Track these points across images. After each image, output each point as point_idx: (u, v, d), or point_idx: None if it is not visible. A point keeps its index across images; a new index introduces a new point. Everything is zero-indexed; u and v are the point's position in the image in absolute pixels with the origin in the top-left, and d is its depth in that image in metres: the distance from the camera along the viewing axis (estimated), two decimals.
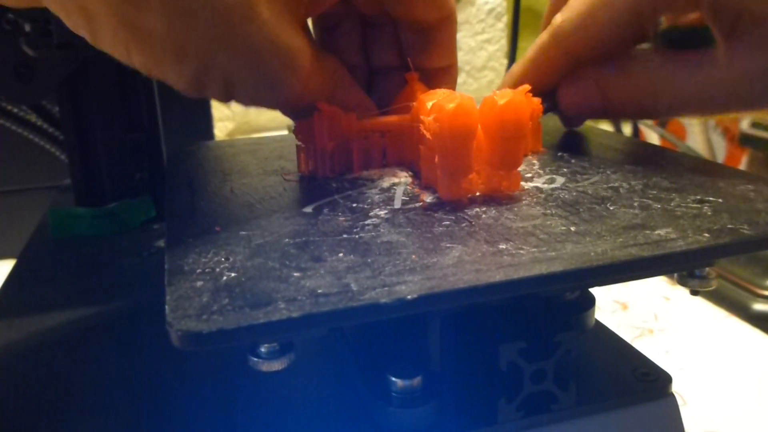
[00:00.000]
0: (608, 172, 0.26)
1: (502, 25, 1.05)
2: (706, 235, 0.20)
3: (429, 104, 0.23)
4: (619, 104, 0.30)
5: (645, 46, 0.33)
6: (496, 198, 0.23)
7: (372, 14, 0.29)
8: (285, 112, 0.27)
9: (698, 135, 0.65)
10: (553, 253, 0.19)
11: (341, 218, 0.22)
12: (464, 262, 0.18)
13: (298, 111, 0.26)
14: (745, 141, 0.67)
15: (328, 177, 0.27)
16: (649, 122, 0.67)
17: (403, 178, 0.26)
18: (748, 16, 0.27)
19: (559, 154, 0.30)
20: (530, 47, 0.33)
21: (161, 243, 0.40)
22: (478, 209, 0.22)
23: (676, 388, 0.25)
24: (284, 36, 0.23)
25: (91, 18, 0.20)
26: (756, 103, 0.28)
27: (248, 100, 0.24)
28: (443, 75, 0.31)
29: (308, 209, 0.23)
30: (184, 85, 0.22)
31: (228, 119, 1.06)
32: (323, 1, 0.26)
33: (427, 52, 0.30)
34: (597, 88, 0.30)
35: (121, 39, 0.21)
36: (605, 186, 0.25)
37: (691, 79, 0.28)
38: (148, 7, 0.20)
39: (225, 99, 0.24)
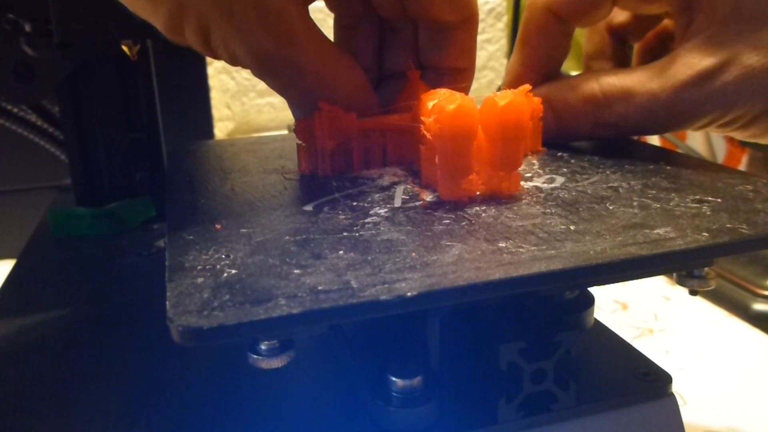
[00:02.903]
0: (608, 171, 0.26)
1: (502, 25, 1.05)
2: (705, 234, 0.20)
3: (430, 105, 0.23)
4: (571, 119, 0.30)
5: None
6: (496, 197, 0.23)
7: (391, 17, 0.29)
8: (271, 83, 0.25)
9: (698, 135, 0.65)
10: (553, 252, 0.19)
11: (341, 216, 0.22)
12: (464, 260, 0.18)
13: (287, 83, 0.25)
14: (746, 141, 0.67)
15: (328, 176, 0.27)
16: None
17: (404, 177, 0.27)
18: (706, 12, 0.26)
19: (559, 153, 0.30)
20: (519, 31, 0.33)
21: (161, 243, 0.40)
22: (477, 208, 0.23)
23: (676, 388, 0.25)
24: None
25: None
26: (698, 114, 0.27)
27: (227, 55, 0.23)
28: (458, 76, 0.30)
29: (309, 207, 0.23)
30: (161, 24, 0.22)
31: (228, 119, 1.06)
32: None
33: (445, 52, 0.29)
34: (547, 105, 0.30)
35: None
36: (605, 185, 0.25)
37: (644, 86, 0.27)
38: None
39: (204, 48, 0.23)
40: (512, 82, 0.33)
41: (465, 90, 0.30)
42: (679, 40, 0.28)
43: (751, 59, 0.25)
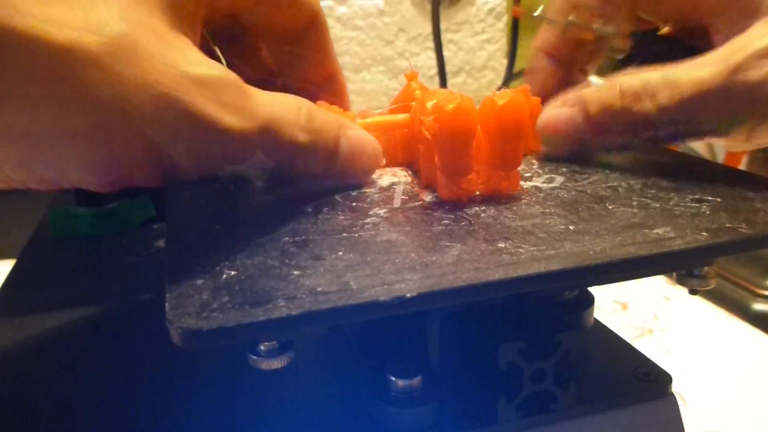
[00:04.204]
0: (607, 171, 0.26)
1: (502, 25, 1.05)
2: (705, 234, 0.20)
3: (429, 105, 0.23)
4: (605, 118, 0.26)
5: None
6: (496, 197, 0.23)
7: (229, 29, 0.27)
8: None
9: None
10: (552, 252, 0.19)
11: (341, 217, 0.22)
12: (463, 261, 0.18)
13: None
14: None
15: None
16: None
17: (403, 177, 0.26)
18: (748, 5, 0.25)
19: None
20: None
21: (161, 243, 0.40)
22: (477, 208, 0.23)
23: (676, 388, 0.25)
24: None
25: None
26: (755, 100, 0.24)
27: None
28: (328, 87, 0.28)
29: (308, 208, 0.23)
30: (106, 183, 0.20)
31: None
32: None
33: (301, 67, 0.27)
34: (579, 108, 0.27)
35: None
36: (604, 185, 0.25)
37: (690, 74, 0.24)
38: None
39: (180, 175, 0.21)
40: (530, 61, 0.32)
41: (343, 98, 0.29)
42: (721, 44, 0.25)
43: None
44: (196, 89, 0.19)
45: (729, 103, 0.24)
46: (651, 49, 0.30)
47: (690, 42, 0.30)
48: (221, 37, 0.28)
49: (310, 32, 0.27)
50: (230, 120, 0.20)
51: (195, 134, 0.19)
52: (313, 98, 0.25)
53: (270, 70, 0.29)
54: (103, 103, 0.17)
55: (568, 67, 0.32)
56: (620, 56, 0.33)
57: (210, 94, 0.19)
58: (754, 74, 0.23)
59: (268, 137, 0.21)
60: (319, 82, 0.28)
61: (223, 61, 0.29)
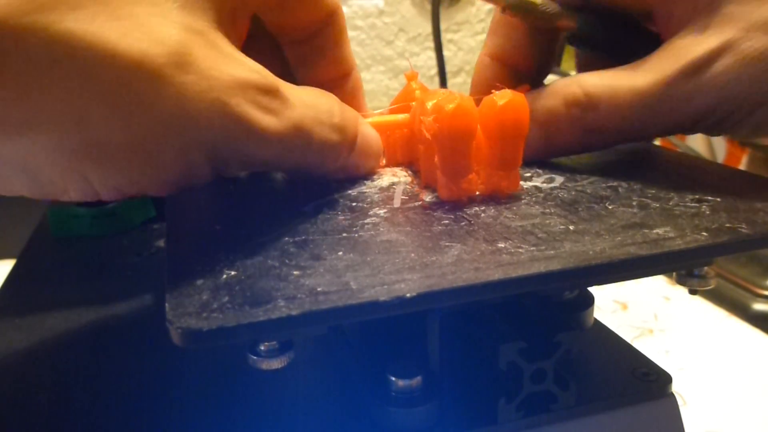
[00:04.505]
0: (607, 171, 0.26)
1: None
2: (705, 234, 0.20)
3: (429, 104, 0.23)
4: (556, 128, 0.26)
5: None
6: (495, 197, 0.23)
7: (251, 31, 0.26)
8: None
9: (698, 134, 0.65)
10: (552, 252, 0.19)
11: (341, 217, 0.22)
12: (463, 261, 0.18)
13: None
14: (746, 141, 0.67)
15: None
16: None
17: (403, 177, 0.27)
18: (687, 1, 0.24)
19: None
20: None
21: (161, 243, 0.40)
22: (477, 208, 0.23)
23: (676, 388, 0.25)
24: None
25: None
26: (689, 109, 0.24)
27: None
28: (343, 85, 0.28)
29: (308, 208, 0.23)
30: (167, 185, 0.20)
31: None
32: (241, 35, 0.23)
33: (319, 64, 0.27)
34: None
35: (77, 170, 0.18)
36: (604, 185, 0.25)
37: (629, 83, 0.24)
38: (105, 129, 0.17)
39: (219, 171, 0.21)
40: (478, 72, 0.31)
41: (357, 94, 0.29)
42: (665, 37, 0.26)
43: (745, 45, 0.22)
44: (240, 92, 0.19)
45: (665, 113, 0.24)
46: (601, 27, 0.29)
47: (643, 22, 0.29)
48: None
49: (329, 27, 0.27)
50: (267, 121, 0.20)
51: (239, 136, 0.19)
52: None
53: (289, 69, 0.29)
54: (167, 113, 0.18)
55: (519, 72, 0.31)
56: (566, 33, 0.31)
57: (251, 96, 0.19)
58: (688, 85, 0.23)
59: (301, 138, 0.21)
60: (335, 78, 0.28)
61: None
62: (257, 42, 0.28)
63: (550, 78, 0.31)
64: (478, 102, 0.23)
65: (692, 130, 0.25)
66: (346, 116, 0.24)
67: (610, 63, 0.27)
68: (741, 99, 0.23)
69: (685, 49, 0.23)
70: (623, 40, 0.29)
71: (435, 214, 0.22)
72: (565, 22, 0.28)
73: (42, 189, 0.19)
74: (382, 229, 0.21)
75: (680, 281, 0.24)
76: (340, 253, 0.19)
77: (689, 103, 0.24)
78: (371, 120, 0.27)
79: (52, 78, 0.16)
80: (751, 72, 0.22)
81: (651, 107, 0.24)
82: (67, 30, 0.16)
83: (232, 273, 0.18)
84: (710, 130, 0.25)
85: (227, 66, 0.19)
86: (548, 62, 0.31)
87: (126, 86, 0.17)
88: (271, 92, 0.20)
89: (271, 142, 0.20)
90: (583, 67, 0.32)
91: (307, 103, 0.22)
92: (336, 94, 0.26)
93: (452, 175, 0.23)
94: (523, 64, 0.30)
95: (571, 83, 0.26)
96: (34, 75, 0.16)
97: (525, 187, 0.25)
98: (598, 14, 0.28)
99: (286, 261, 0.18)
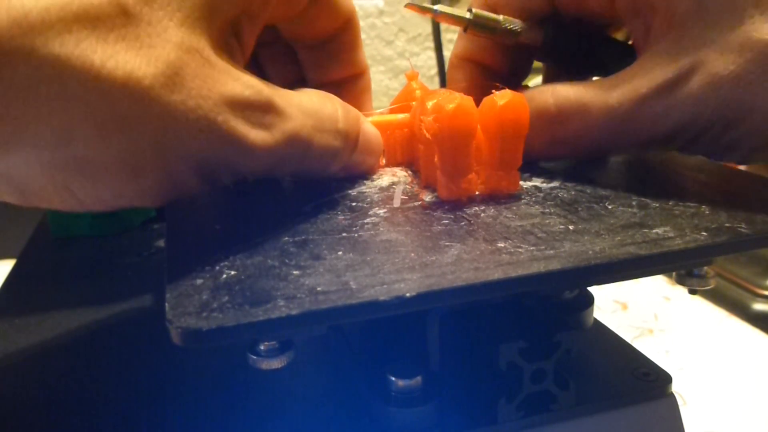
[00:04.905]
0: (606, 170, 0.26)
1: None
2: (704, 233, 0.20)
3: (429, 104, 0.23)
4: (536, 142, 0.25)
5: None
6: (495, 197, 0.23)
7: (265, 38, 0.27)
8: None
9: None
10: (552, 252, 0.19)
11: (340, 217, 0.22)
12: (463, 261, 0.18)
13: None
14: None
15: None
16: None
17: (403, 177, 0.27)
18: (662, 13, 0.23)
19: None
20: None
21: (161, 243, 0.40)
22: (476, 208, 0.23)
23: (676, 388, 0.25)
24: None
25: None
26: (659, 129, 0.24)
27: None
28: (353, 84, 0.28)
29: (308, 208, 0.23)
30: (150, 198, 0.20)
31: None
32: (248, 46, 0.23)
33: (330, 66, 0.28)
34: None
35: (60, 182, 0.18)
36: (603, 185, 0.25)
37: (601, 100, 0.24)
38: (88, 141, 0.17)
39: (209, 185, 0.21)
40: (449, 73, 0.31)
41: (366, 95, 0.29)
42: (639, 51, 0.25)
43: (716, 66, 0.22)
44: (229, 109, 0.19)
45: (636, 132, 0.24)
46: (567, 41, 0.28)
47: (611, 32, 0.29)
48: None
49: (344, 32, 0.27)
50: (256, 136, 0.20)
51: (226, 151, 0.20)
52: (341, 97, 0.26)
53: (303, 72, 0.29)
54: (151, 132, 0.18)
55: (493, 74, 0.30)
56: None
57: (240, 112, 0.20)
58: (659, 105, 0.23)
59: (297, 147, 0.21)
60: (347, 78, 0.29)
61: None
62: (271, 47, 0.28)
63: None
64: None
65: (664, 149, 0.25)
66: (349, 119, 0.24)
67: (575, 77, 0.26)
68: (713, 120, 0.23)
69: (659, 67, 0.23)
70: (590, 54, 0.28)
71: (435, 213, 0.22)
72: (529, 38, 0.28)
73: (27, 199, 0.19)
74: (381, 228, 0.21)
75: (680, 281, 0.24)
76: (340, 252, 0.19)
77: (660, 123, 0.23)
78: (371, 120, 0.27)
79: (37, 98, 0.16)
80: (722, 93, 0.22)
81: (622, 125, 0.24)
82: (52, 54, 0.16)
83: (232, 273, 0.18)
84: (683, 150, 0.25)
85: (218, 83, 0.19)
86: (524, 63, 0.31)
87: (110, 106, 0.17)
88: (263, 107, 0.20)
89: (261, 156, 0.20)
90: (549, 80, 0.31)
91: (308, 112, 0.22)
92: (345, 94, 0.26)
93: (452, 175, 0.23)
94: (494, 65, 0.30)
95: (545, 91, 0.26)
96: (20, 96, 0.16)
97: (525, 186, 0.25)
98: (565, 27, 0.28)
99: (286, 261, 0.18)
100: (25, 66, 0.16)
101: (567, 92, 0.25)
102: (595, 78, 0.25)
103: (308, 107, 0.22)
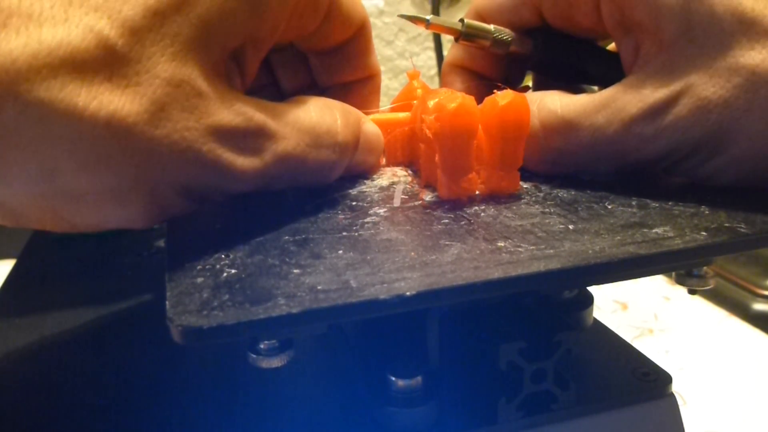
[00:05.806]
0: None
1: None
2: (704, 233, 0.20)
3: (430, 103, 0.23)
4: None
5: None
6: (495, 196, 0.23)
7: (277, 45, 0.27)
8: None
9: None
10: (552, 251, 0.19)
11: (341, 216, 0.22)
12: (463, 260, 0.18)
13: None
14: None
15: None
16: None
17: (403, 176, 0.27)
18: (651, 33, 0.23)
19: None
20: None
21: (161, 243, 0.40)
22: (477, 207, 0.23)
23: (676, 388, 0.25)
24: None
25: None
26: (647, 151, 0.23)
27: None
28: (362, 87, 0.29)
29: (308, 207, 0.23)
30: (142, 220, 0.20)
31: None
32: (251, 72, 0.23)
33: (342, 70, 0.28)
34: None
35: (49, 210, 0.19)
36: (603, 184, 0.25)
37: (588, 119, 0.24)
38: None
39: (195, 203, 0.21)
40: (443, 79, 0.31)
41: (374, 96, 0.29)
42: (628, 68, 0.25)
43: (705, 90, 0.22)
44: (215, 139, 0.19)
45: (622, 154, 0.24)
46: (557, 52, 0.28)
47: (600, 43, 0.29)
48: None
49: (357, 38, 0.27)
50: (243, 162, 0.20)
51: (212, 178, 0.20)
52: (351, 99, 0.26)
53: (315, 78, 0.29)
54: (134, 165, 0.18)
55: (485, 78, 0.30)
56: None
57: (227, 140, 0.20)
58: (648, 128, 0.23)
59: (290, 166, 0.22)
60: (358, 80, 0.29)
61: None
62: (282, 52, 0.28)
63: None
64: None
65: (649, 169, 0.25)
66: (349, 126, 0.23)
67: (564, 86, 0.26)
68: (701, 144, 0.23)
69: (648, 90, 0.23)
70: (578, 64, 0.28)
71: (435, 213, 0.22)
72: (519, 48, 0.28)
73: (21, 223, 0.20)
74: (382, 228, 0.21)
75: (679, 281, 0.24)
76: (340, 251, 0.19)
77: (648, 145, 0.23)
78: (372, 118, 0.27)
79: (21, 139, 0.17)
80: (711, 117, 0.22)
81: (609, 146, 0.24)
82: (37, 98, 0.17)
83: (233, 271, 0.18)
84: (668, 171, 0.25)
85: (206, 113, 0.19)
86: (516, 72, 0.31)
87: (92, 145, 0.18)
88: (252, 134, 0.20)
89: (250, 178, 0.21)
90: (538, 87, 0.31)
91: (305, 129, 0.22)
92: (354, 95, 0.26)
93: (452, 174, 0.23)
94: (486, 73, 0.30)
95: (532, 104, 0.25)
96: (4, 136, 0.17)
97: (525, 186, 0.25)
98: (554, 38, 0.28)
99: (287, 259, 0.18)
100: (11, 110, 0.17)
101: (555, 106, 0.25)
102: (581, 95, 0.25)
103: (305, 124, 0.22)
